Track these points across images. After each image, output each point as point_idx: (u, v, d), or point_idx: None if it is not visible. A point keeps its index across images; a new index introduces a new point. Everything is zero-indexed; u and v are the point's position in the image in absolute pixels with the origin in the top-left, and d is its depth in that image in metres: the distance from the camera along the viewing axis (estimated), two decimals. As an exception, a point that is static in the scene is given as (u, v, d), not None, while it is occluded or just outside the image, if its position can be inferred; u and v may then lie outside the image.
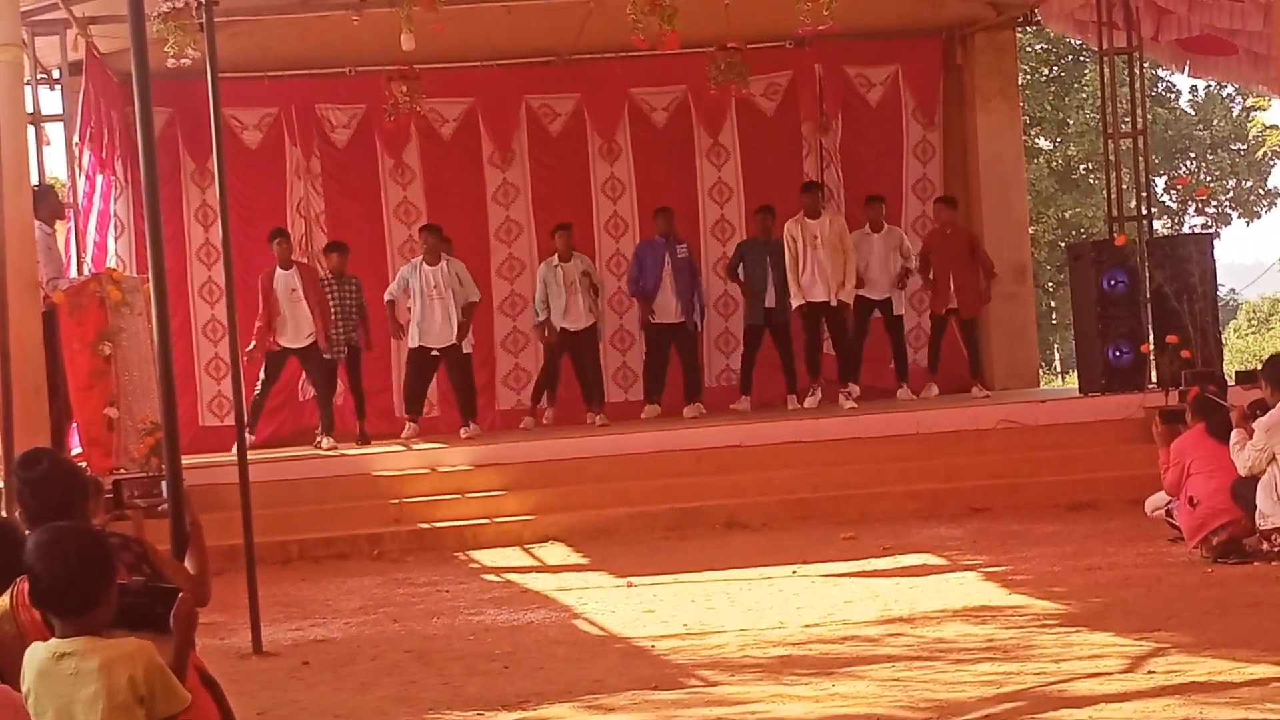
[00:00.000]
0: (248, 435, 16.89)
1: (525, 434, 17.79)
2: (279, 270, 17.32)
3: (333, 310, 17.62)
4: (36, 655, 4.78)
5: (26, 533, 5.49)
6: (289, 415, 18.78)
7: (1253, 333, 51.82)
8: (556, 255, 18.31)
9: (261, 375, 17.53)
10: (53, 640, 4.78)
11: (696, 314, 18.79)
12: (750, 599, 11.31)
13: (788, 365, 18.53)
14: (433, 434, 18.11)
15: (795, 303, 17.96)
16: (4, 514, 8.97)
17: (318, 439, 17.46)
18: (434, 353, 17.74)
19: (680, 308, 18.50)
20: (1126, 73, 18.78)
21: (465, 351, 18.09)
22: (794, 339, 18.44)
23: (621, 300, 19.45)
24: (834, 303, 17.80)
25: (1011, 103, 21.21)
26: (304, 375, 18.23)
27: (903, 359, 18.78)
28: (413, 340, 17.74)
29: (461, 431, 17.66)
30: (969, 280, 18.53)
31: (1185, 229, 43.40)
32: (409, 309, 17.70)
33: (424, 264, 17.64)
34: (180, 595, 5.08)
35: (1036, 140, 41.17)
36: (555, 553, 14.29)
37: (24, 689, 4.80)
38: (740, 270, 18.70)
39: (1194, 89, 46.06)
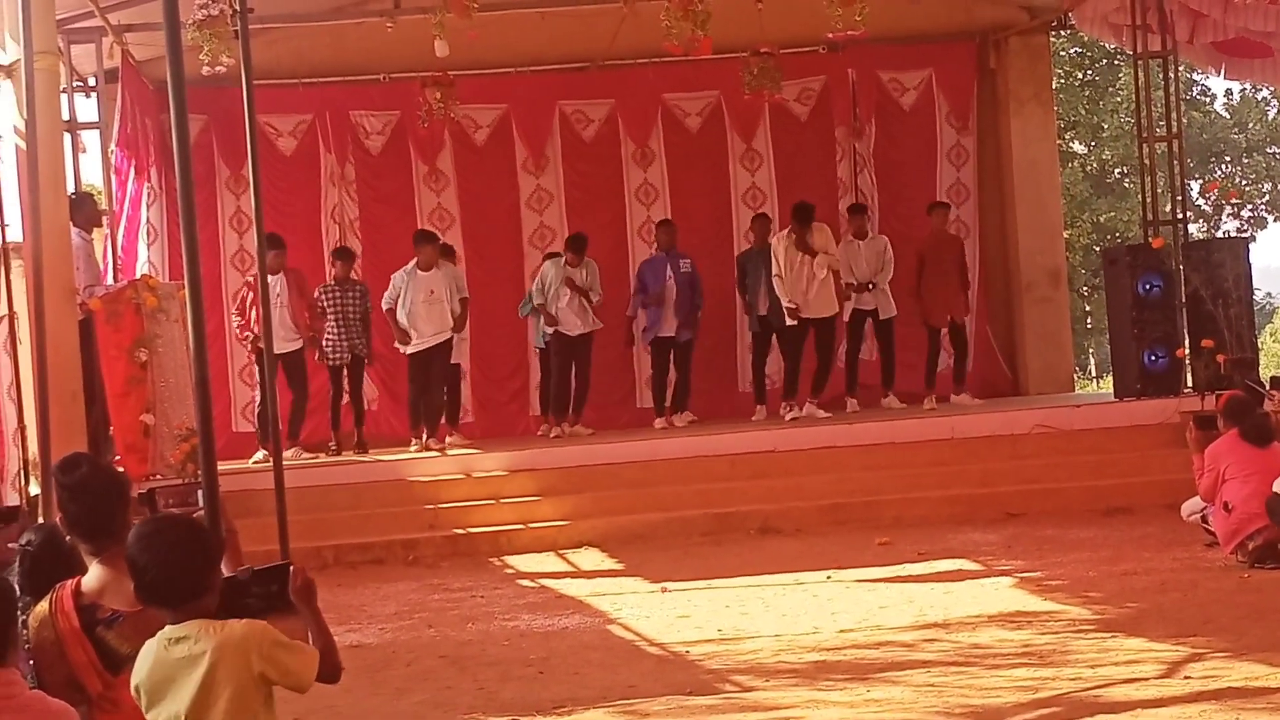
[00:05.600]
0: (260, 451, 17.09)
1: (560, 440, 17.77)
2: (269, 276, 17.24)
3: (333, 316, 17.70)
4: (149, 649, 4.79)
5: (67, 538, 5.52)
6: (319, 422, 18.79)
7: (1288, 336, 51.65)
8: (565, 260, 18.28)
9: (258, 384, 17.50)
10: (164, 629, 4.78)
11: (693, 328, 18.67)
12: (785, 604, 11.31)
13: (791, 371, 18.42)
14: (467, 440, 18.13)
15: (789, 320, 17.85)
16: (42, 519, 9.00)
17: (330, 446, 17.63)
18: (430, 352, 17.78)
19: (677, 323, 18.43)
20: (1161, 76, 18.76)
21: (454, 361, 18.13)
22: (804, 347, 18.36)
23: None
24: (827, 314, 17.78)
25: (1046, 107, 21.17)
26: (341, 383, 18.18)
27: (890, 364, 18.65)
28: (410, 348, 17.78)
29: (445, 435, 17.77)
30: (961, 290, 18.46)
31: (1220, 233, 43.27)
32: (405, 315, 17.68)
33: (418, 270, 17.63)
34: (293, 568, 5.07)
35: (1071, 144, 41.10)
36: (590, 558, 14.30)
37: (133, 686, 4.80)
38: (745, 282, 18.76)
39: (1229, 92, 46.11)
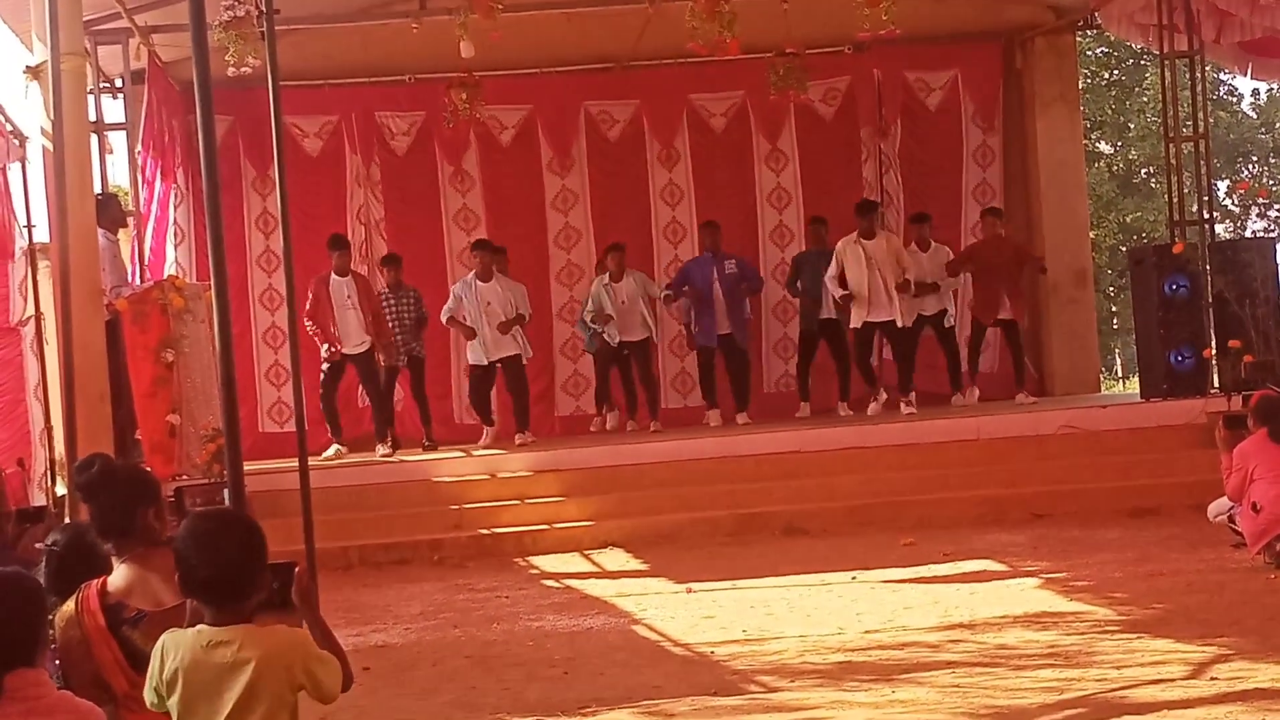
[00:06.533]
0: (338, 445, 17.18)
1: (585, 440, 17.78)
2: (334, 277, 17.31)
3: (390, 321, 17.69)
4: (184, 642, 4.74)
5: (95, 538, 5.53)
6: (348, 421, 18.85)
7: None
8: (609, 274, 18.32)
9: (324, 382, 17.55)
10: (203, 628, 4.74)
11: (745, 328, 18.70)
12: (810, 605, 11.29)
13: (843, 372, 18.48)
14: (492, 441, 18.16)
15: (855, 323, 17.90)
16: (69, 519, 9.03)
17: (376, 449, 17.56)
18: (496, 365, 17.83)
19: (730, 321, 18.42)
20: (1188, 76, 18.68)
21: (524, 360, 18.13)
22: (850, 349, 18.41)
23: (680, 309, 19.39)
24: (900, 323, 17.74)
25: (1072, 107, 21.14)
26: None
27: (957, 369, 18.67)
28: (474, 358, 17.85)
29: (516, 438, 17.72)
30: (1014, 290, 18.40)
31: (1247, 233, 43.16)
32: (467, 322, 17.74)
33: (477, 281, 17.69)
34: (297, 569, 5.03)
35: (1097, 144, 41.08)
36: (615, 558, 14.29)
37: (163, 674, 4.74)
38: (799, 283, 18.70)
39: (1256, 92, 45.79)
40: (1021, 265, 18.57)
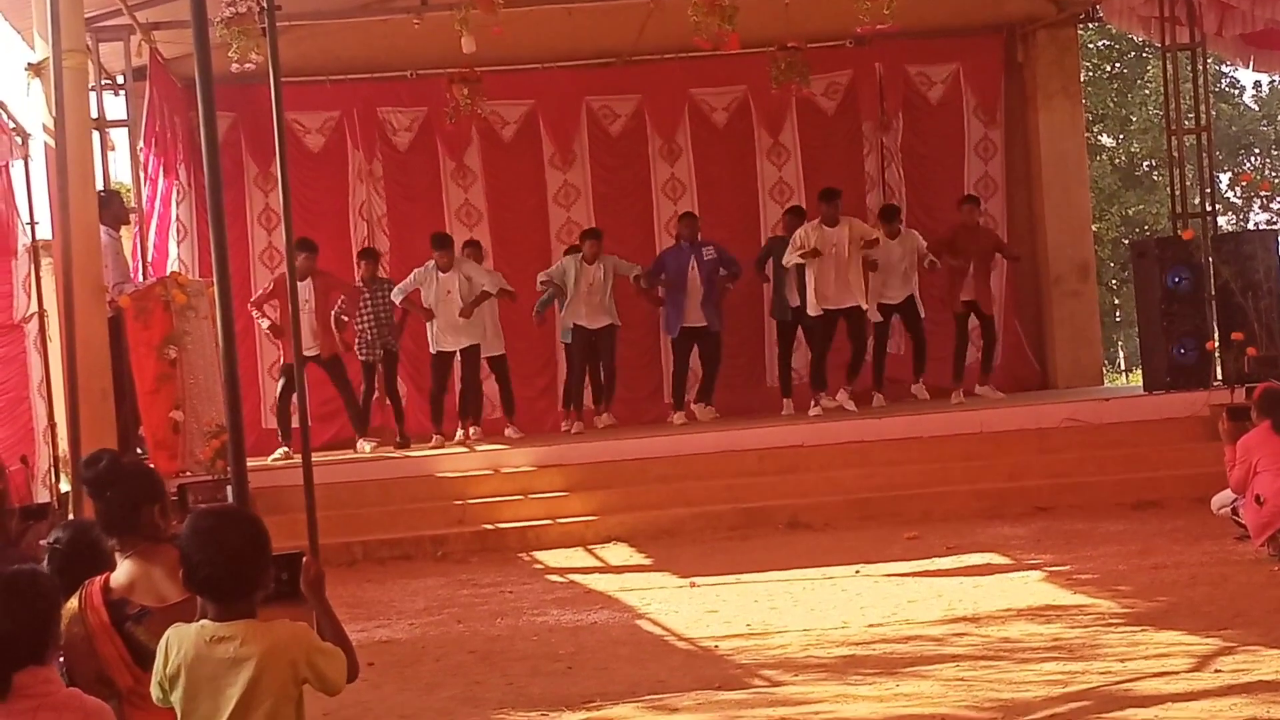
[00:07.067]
0: (282, 449, 17.11)
1: (588, 435, 17.77)
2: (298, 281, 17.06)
3: (367, 316, 17.75)
4: (188, 637, 4.74)
5: (100, 535, 5.53)
6: (348, 420, 18.82)
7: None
8: (581, 255, 18.27)
9: (280, 385, 17.52)
10: (206, 623, 4.74)
11: (720, 319, 18.63)
12: (813, 599, 11.30)
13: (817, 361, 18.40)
14: (495, 436, 18.11)
15: (813, 311, 17.81)
16: (72, 516, 9.03)
17: (358, 445, 17.56)
18: (456, 357, 17.85)
19: (705, 312, 18.39)
20: (1189, 68, 18.68)
21: (498, 353, 18.12)
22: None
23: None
24: (864, 307, 17.70)
25: (1074, 100, 21.12)
26: (374, 380, 18.24)
27: (922, 357, 18.58)
28: (433, 347, 17.89)
29: (506, 431, 17.75)
30: (983, 277, 18.36)
31: (1250, 225, 43.11)
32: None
33: (438, 270, 17.66)
34: (305, 559, 5.05)
35: (1099, 137, 41.00)
36: (618, 553, 14.30)
37: (167, 669, 4.75)
38: (768, 267, 18.69)
39: (1258, 84, 45.70)
40: (993, 253, 18.55)
